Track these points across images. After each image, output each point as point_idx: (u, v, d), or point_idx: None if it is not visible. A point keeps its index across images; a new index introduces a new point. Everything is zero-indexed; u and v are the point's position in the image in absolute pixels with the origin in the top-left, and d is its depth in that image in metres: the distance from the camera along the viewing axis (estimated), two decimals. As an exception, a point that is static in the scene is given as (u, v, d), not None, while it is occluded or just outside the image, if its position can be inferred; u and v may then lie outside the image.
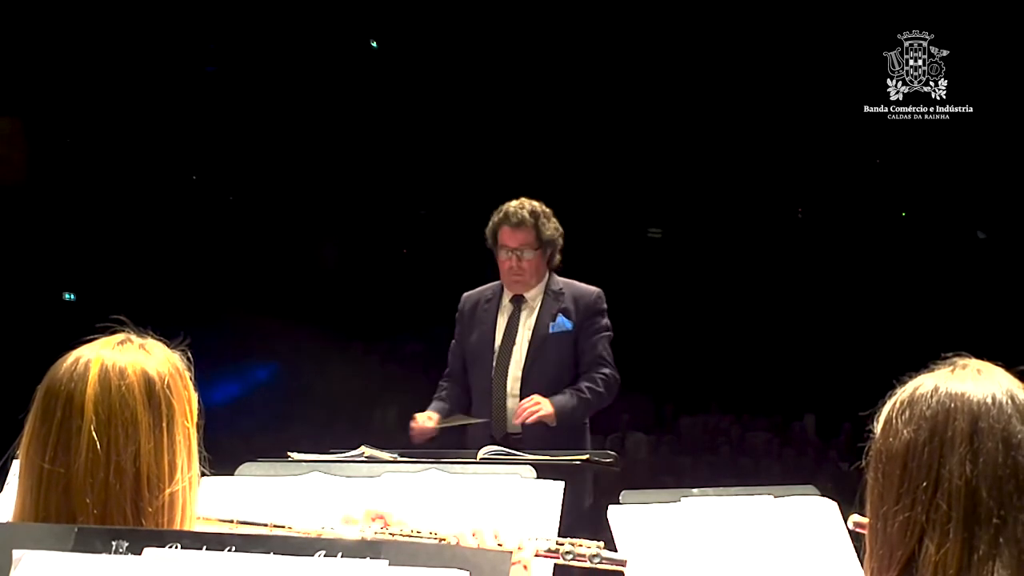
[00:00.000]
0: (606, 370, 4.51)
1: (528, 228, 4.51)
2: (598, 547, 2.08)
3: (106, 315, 1.81)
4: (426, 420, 4.51)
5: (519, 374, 4.53)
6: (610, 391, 4.51)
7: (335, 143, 9.65)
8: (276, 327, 9.32)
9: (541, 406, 4.35)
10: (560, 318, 4.54)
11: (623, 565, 2.10)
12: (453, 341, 4.74)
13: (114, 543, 1.33)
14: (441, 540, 2.07)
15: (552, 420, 4.35)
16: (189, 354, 1.79)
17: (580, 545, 2.08)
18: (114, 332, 1.76)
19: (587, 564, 2.08)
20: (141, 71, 9.10)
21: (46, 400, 1.68)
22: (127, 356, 1.70)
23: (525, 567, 2.01)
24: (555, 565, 2.18)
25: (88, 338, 1.74)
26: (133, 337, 1.75)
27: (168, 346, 1.77)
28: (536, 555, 2.05)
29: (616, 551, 2.14)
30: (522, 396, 4.50)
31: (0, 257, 8.95)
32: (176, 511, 1.68)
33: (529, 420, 4.33)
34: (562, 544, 2.09)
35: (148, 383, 1.69)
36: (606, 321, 4.58)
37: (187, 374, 1.76)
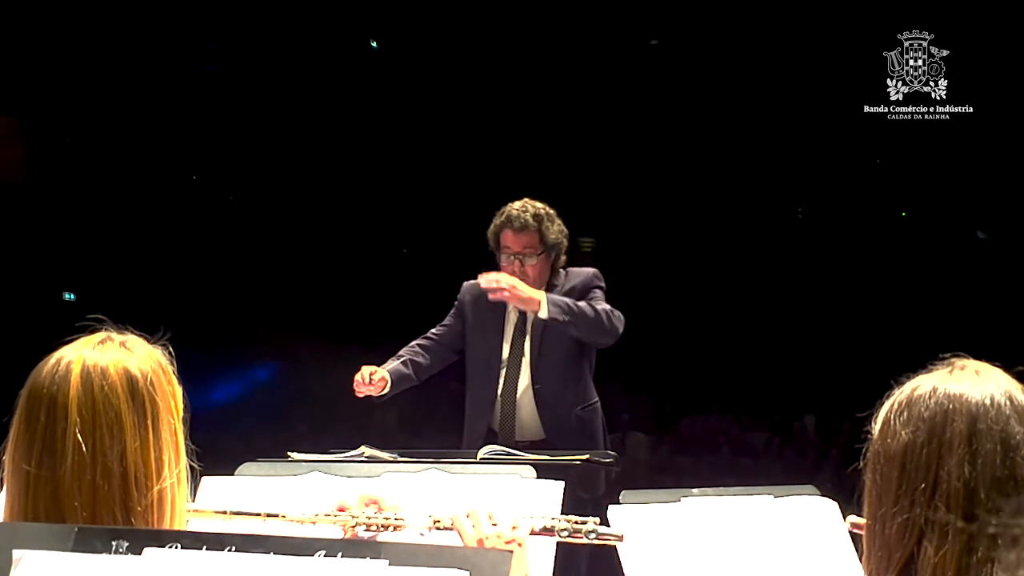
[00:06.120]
0: (604, 304, 4.42)
1: (531, 232, 4.44)
2: (595, 523, 2.09)
3: (107, 315, 1.81)
4: (378, 380, 4.37)
5: (528, 378, 4.50)
6: (608, 318, 4.36)
7: (335, 143, 9.64)
8: (276, 327, 9.31)
9: (527, 289, 4.25)
10: None
11: (620, 539, 2.11)
12: (448, 319, 4.69)
13: (114, 543, 1.34)
14: (436, 522, 2.08)
15: (538, 305, 4.27)
16: (170, 348, 1.78)
17: (576, 522, 2.08)
18: (94, 331, 1.75)
19: (584, 540, 2.08)
20: (141, 71, 9.09)
21: (29, 404, 1.67)
22: (108, 355, 1.69)
23: (520, 545, 2.02)
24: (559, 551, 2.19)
25: (69, 339, 1.74)
26: (113, 335, 1.74)
27: (149, 341, 1.77)
28: (532, 533, 2.06)
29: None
30: (536, 394, 4.46)
31: (0, 257, 8.95)
32: (165, 507, 1.68)
33: (502, 285, 4.25)
34: (558, 521, 2.09)
35: (131, 381, 1.68)
36: (602, 293, 4.52)
37: (170, 369, 1.75)
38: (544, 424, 4.46)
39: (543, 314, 4.28)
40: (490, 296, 4.32)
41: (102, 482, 1.63)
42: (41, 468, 1.63)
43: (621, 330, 4.41)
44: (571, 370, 4.49)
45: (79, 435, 1.63)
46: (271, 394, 9.54)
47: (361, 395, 4.35)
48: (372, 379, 4.34)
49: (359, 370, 4.44)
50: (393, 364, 4.52)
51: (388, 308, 9.15)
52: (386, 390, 4.42)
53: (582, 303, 4.36)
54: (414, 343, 4.65)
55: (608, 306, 4.41)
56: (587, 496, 3.90)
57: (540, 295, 4.31)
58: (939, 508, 1.48)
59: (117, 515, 1.63)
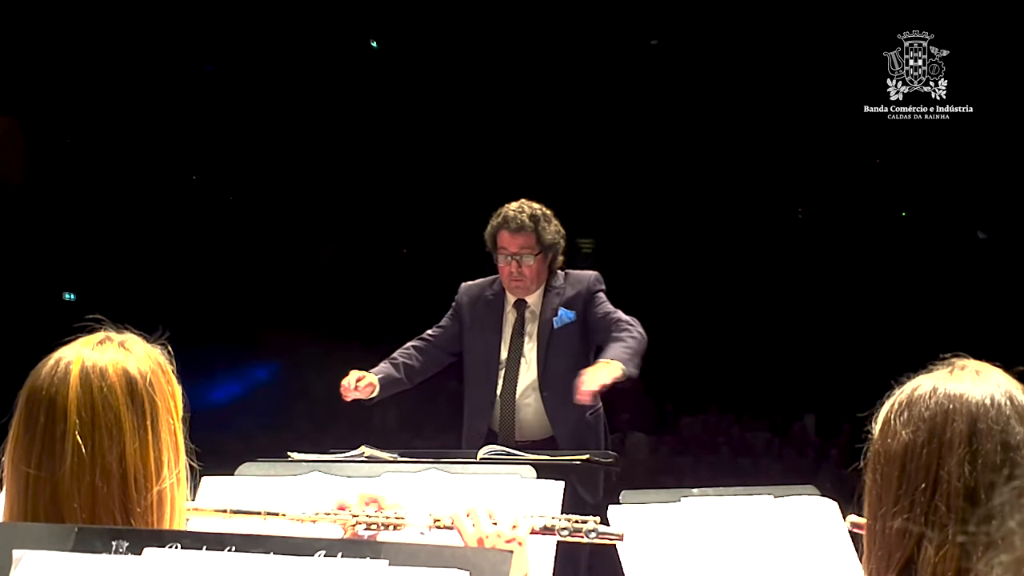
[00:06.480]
0: (624, 318, 4.41)
1: (528, 232, 4.44)
2: (595, 522, 2.09)
3: (106, 315, 1.80)
4: (364, 386, 4.36)
5: (532, 380, 4.50)
6: (641, 334, 4.35)
7: (335, 143, 9.64)
8: (276, 327, 9.31)
9: (606, 370, 4.13)
10: (562, 311, 4.50)
11: (620, 539, 2.11)
12: (445, 321, 4.69)
13: (114, 543, 1.33)
14: (436, 521, 2.08)
15: (622, 375, 4.15)
16: (169, 348, 1.77)
17: (576, 521, 2.09)
18: (93, 331, 1.74)
19: (584, 540, 2.09)
20: (141, 71, 9.09)
21: (28, 405, 1.67)
22: (107, 356, 1.69)
23: (520, 544, 2.02)
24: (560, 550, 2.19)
25: (68, 339, 1.73)
26: (112, 335, 1.73)
27: (147, 340, 1.76)
28: (532, 532, 2.06)
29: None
30: (544, 399, 4.46)
31: (0, 257, 8.95)
32: (165, 508, 1.68)
33: (599, 388, 4.14)
34: (558, 520, 2.09)
35: (130, 382, 1.67)
36: (605, 296, 4.54)
37: (169, 368, 1.75)
38: (555, 431, 4.46)
39: (631, 374, 4.21)
40: (587, 402, 4.21)
41: (101, 483, 1.62)
42: (40, 469, 1.63)
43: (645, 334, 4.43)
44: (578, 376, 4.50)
45: (78, 436, 1.63)
46: (271, 394, 9.53)
47: (349, 400, 4.36)
48: (359, 385, 4.34)
49: (359, 370, 4.45)
50: (383, 368, 4.53)
51: (388, 308, 9.15)
52: (375, 394, 4.43)
53: (626, 337, 4.31)
54: (408, 345, 4.65)
55: (622, 314, 4.44)
56: (591, 501, 3.91)
57: (612, 364, 4.18)
58: (939, 508, 1.48)
59: (116, 516, 1.63)
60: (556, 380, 4.45)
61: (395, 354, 4.61)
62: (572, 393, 4.43)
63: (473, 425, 4.56)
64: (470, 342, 4.60)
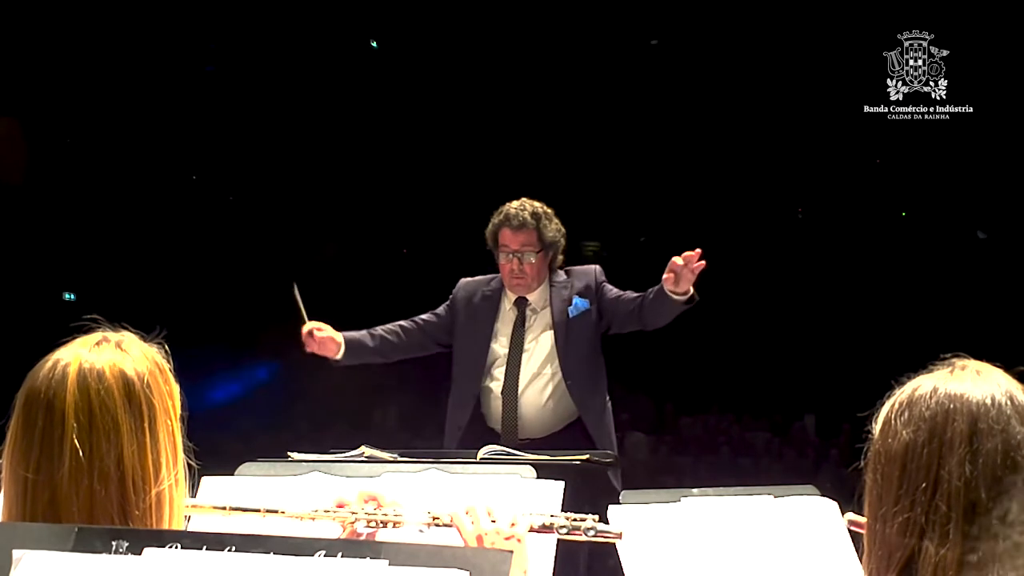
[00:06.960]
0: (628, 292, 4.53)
1: (530, 230, 4.47)
2: (593, 520, 2.09)
3: (107, 315, 1.80)
4: (326, 339, 4.45)
5: (531, 376, 4.50)
6: None
7: (335, 143, 9.64)
8: (276, 327, 9.30)
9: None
10: (576, 299, 4.53)
11: (618, 537, 2.11)
12: (440, 310, 4.70)
13: (114, 543, 1.33)
14: (435, 518, 2.08)
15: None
16: (166, 347, 1.77)
17: (574, 519, 2.09)
18: (90, 331, 1.74)
19: (583, 538, 2.09)
20: (141, 71, 9.09)
21: (26, 408, 1.66)
22: (104, 357, 1.68)
23: (519, 540, 2.02)
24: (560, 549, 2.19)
25: (65, 339, 1.73)
26: (110, 335, 1.73)
27: (144, 339, 1.75)
28: (531, 530, 2.06)
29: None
30: (568, 387, 4.47)
31: (0, 257, 8.95)
32: (164, 509, 1.67)
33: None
34: (556, 518, 2.09)
35: (127, 384, 1.67)
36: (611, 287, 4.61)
37: (167, 368, 1.74)
38: (583, 414, 4.48)
39: (695, 297, 4.37)
40: (692, 267, 4.29)
41: (99, 487, 1.62)
42: (39, 473, 1.62)
43: None
44: (596, 363, 4.54)
45: (76, 440, 1.62)
46: (271, 394, 9.54)
47: (309, 351, 4.43)
48: (316, 335, 4.41)
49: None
50: (357, 334, 4.59)
51: (388, 308, 9.14)
52: (340, 356, 4.47)
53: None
54: (398, 322, 4.69)
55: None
56: (619, 488, 3.93)
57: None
58: (940, 507, 1.48)
59: (115, 519, 1.62)
60: (577, 368, 4.48)
61: (378, 327, 4.66)
62: (593, 379, 4.47)
63: (454, 419, 4.57)
64: (461, 337, 4.61)
